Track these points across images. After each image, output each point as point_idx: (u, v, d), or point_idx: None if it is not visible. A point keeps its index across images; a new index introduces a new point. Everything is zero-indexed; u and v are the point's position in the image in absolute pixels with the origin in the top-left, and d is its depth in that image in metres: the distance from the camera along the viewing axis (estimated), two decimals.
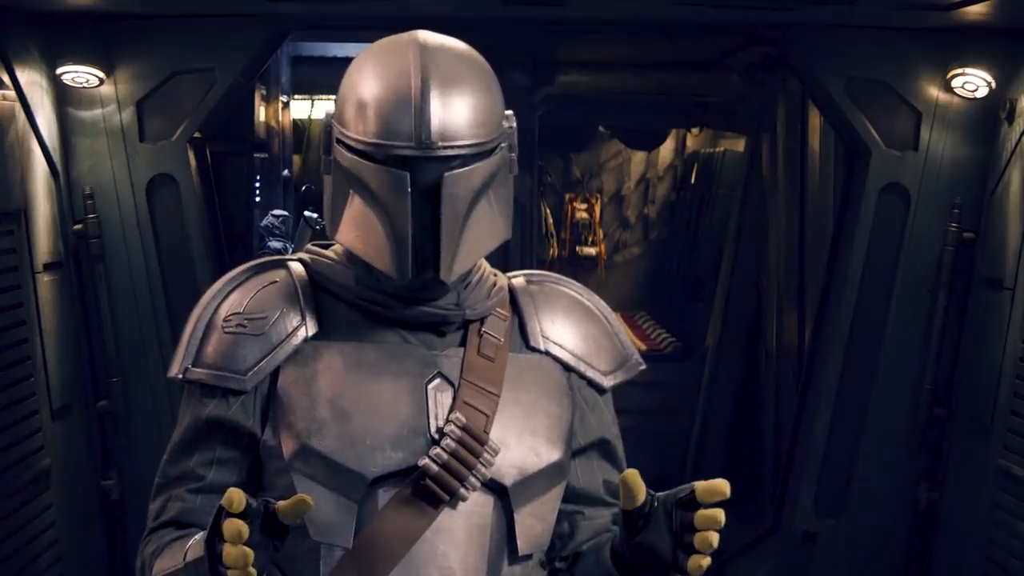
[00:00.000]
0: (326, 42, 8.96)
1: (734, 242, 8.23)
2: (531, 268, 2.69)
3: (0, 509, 4.34)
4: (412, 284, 2.26)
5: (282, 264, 2.43)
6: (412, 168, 2.20)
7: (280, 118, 10.13)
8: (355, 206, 2.26)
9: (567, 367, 2.43)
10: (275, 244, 8.90)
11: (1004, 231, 4.88)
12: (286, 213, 9.44)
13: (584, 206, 12.46)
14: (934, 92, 5.14)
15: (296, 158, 11.60)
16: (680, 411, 8.75)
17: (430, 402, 2.27)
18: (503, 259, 2.68)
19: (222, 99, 5.06)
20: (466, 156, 2.22)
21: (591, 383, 2.46)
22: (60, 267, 4.90)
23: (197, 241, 5.16)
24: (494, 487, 2.27)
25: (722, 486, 2.05)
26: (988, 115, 5.06)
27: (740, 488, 2.24)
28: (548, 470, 2.32)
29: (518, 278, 2.53)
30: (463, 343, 2.35)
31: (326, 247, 2.43)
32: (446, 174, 2.21)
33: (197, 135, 5.12)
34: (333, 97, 2.36)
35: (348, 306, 2.35)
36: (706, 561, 2.08)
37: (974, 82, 5.02)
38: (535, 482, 2.31)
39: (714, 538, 2.06)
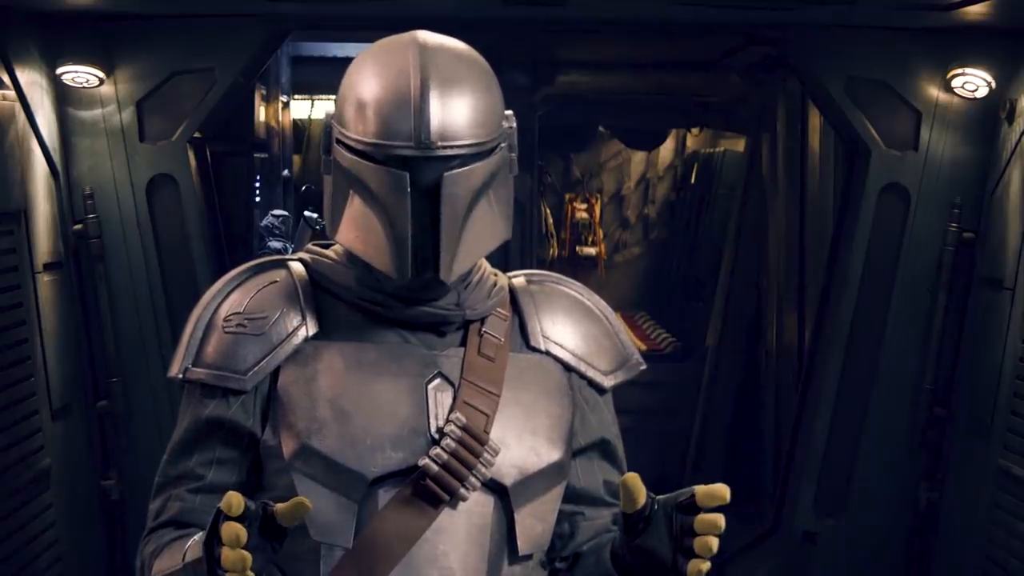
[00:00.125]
0: (326, 42, 8.96)
1: (734, 242, 8.23)
2: (531, 268, 2.69)
3: (0, 509, 4.34)
4: (412, 284, 2.26)
5: (282, 264, 2.43)
6: (412, 168, 2.20)
7: (280, 118, 10.13)
8: (355, 206, 2.26)
9: (567, 367, 2.44)
10: (275, 244, 8.90)
11: (1004, 231, 4.88)
12: (286, 213, 9.44)
13: (584, 206, 12.46)
14: (934, 92, 5.14)
15: (296, 158, 11.60)
16: (680, 411, 8.75)
17: (430, 402, 2.27)
18: (503, 259, 2.68)
19: (222, 99, 5.06)
20: (466, 156, 2.22)
21: (591, 383, 2.46)
22: (60, 267, 4.90)
23: (197, 241, 5.16)
24: (494, 487, 2.27)
25: (722, 491, 2.05)
26: (988, 115, 5.06)
27: (740, 488, 2.25)
28: (548, 470, 2.32)
29: (518, 278, 2.53)
30: (463, 343, 2.35)
31: (326, 247, 2.43)
32: (446, 174, 2.21)
33: (197, 135, 5.12)
34: (333, 97, 2.36)
35: (348, 306, 2.35)
36: (706, 565, 2.08)
37: (974, 82, 5.02)
38: (535, 482, 2.31)
39: (714, 543, 2.06)
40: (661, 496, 2.14)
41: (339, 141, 2.28)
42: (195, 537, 2.14)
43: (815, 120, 6.68)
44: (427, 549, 2.22)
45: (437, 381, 2.30)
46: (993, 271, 4.95)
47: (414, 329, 2.34)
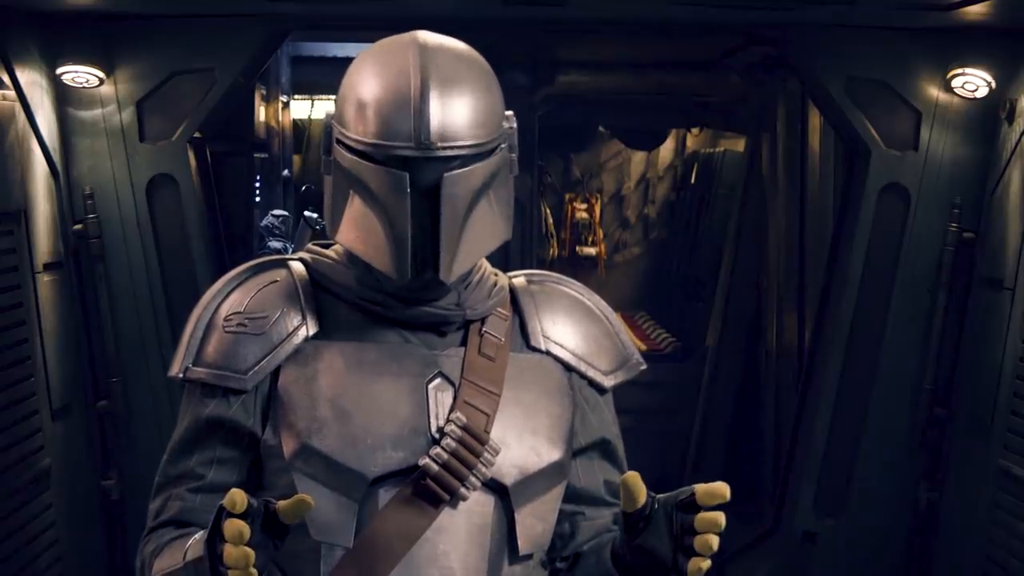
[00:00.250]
0: (326, 42, 8.96)
1: (734, 242, 8.23)
2: (531, 268, 2.69)
3: (0, 509, 4.34)
4: (412, 284, 2.26)
5: (283, 264, 2.43)
6: (412, 168, 2.20)
7: (280, 118, 10.13)
8: (355, 206, 2.26)
9: (568, 367, 2.44)
10: (275, 244, 8.90)
11: (1004, 231, 4.88)
12: (286, 213, 9.44)
13: (584, 206, 12.45)
14: (934, 92, 5.15)
15: (296, 158, 11.61)
16: (680, 411, 8.75)
17: (431, 402, 2.27)
18: (503, 259, 2.67)
19: (222, 99, 5.06)
20: (466, 156, 2.22)
21: (592, 383, 2.46)
22: (60, 267, 4.90)
23: (197, 241, 5.16)
24: (495, 487, 2.27)
25: (722, 489, 2.05)
26: (988, 115, 5.06)
27: (740, 488, 2.25)
28: (549, 470, 2.32)
29: (519, 278, 2.53)
30: (464, 343, 2.35)
31: (326, 247, 2.43)
32: (446, 174, 2.21)
33: (197, 135, 5.12)
34: (333, 97, 2.36)
35: (349, 306, 2.35)
36: (706, 564, 2.08)
37: (974, 82, 5.02)
38: (536, 482, 2.31)
39: (714, 541, 2.06)
40: (661, 495, 2.14)
41: (339, 141, 2.28)
42: (196, 536, 2.14)
43: (815, 120, 6.68)
44: (427, 549, 2.22)
45: (437, 381, 2.30)
46: (993, 271, 4.95)
47: (414, 329, 2.34)
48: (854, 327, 5.38)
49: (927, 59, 5.14)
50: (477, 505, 2.25)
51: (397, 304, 2.32)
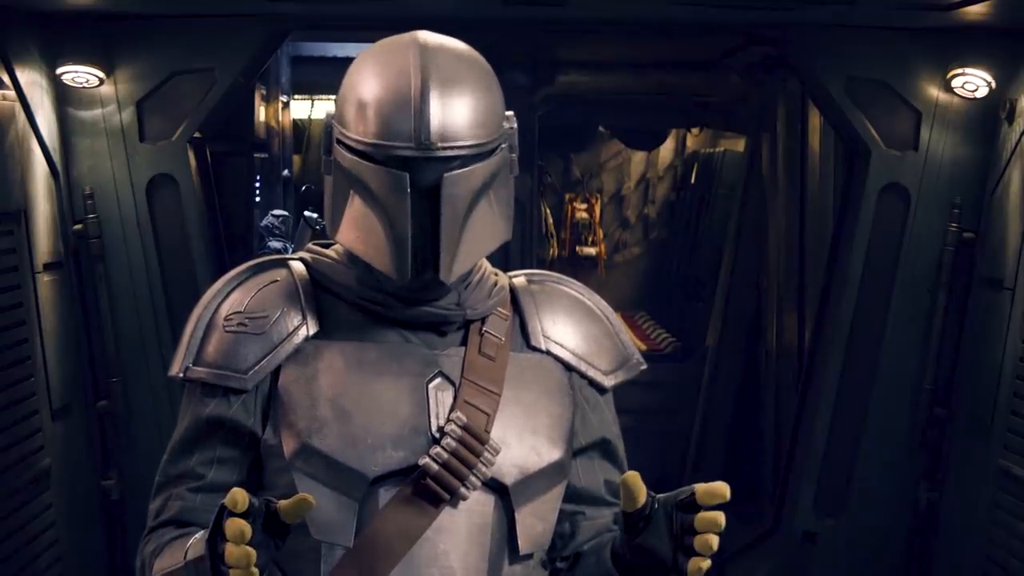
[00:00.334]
0: (326, 42, 8.96)
1: (734, 242, 8.23)
2: (531, 268, 2.69)
3: (0, 509, 4.34)
4: (412, 284, 2.26)
5: (283, 263, 2.43)
6: (412, 169, 2.20)
7: (280, 118, 10.13)
8: (355, 206, 2.26)
9: (568, 367, 2.44)
10: (275, 244, 8.90)
11: (1004, 231, 4.88)
12: (286, 213, 9.44)
13: (584, 206, 12.46)
14: (934, 92, 5.15)
15: (296, 158, 11.61)
16: (680, 411, 8.75)
17: (431, 401, 2.27)
18: (503, 259, 2.67)
19: (222, 99, 5.06)
20: (466, 157, 2.22)
21: (592, 383, 2.46)
22: (60, 267, 4.90)
23: (197, 241, 5.16)
24: (495, 486, 2.27)
25: (722, 489, 2.05)
26: (988, 115, 5.06)
27: (740, 488, 2.25)
28: (549, 469, 2.32)
29: (519, 278, 2.53)
30: (464, 342, 2.35)
31: (327, 247, 2.43)
32: (446, 175, 2.21)
33: (197, 135, 5.12)
34: (333, 97, 2.36)
35: (349, 306, 2.35)
36: (706, 563, 2.09)
37: (974, 82, 5.02)
38: (536, 481, 2.31)
39: (714, 540, 2.06)
40: (661, 495, 2.14)
41: (339, 141, 2.28)
42: (196, 535, 2.14)
43: (815, 120, 6.68)
44: (428, 548, 2.22)
45: (438, 380, 2.30)
46: (993, 271, 4.95)
47: (415, 329, 2.34)
48: (854, 327, 5.38)
49: (927, 59, 5.14)
50: (477, 505, 2.25)
51: (397, 304, 2.32)
